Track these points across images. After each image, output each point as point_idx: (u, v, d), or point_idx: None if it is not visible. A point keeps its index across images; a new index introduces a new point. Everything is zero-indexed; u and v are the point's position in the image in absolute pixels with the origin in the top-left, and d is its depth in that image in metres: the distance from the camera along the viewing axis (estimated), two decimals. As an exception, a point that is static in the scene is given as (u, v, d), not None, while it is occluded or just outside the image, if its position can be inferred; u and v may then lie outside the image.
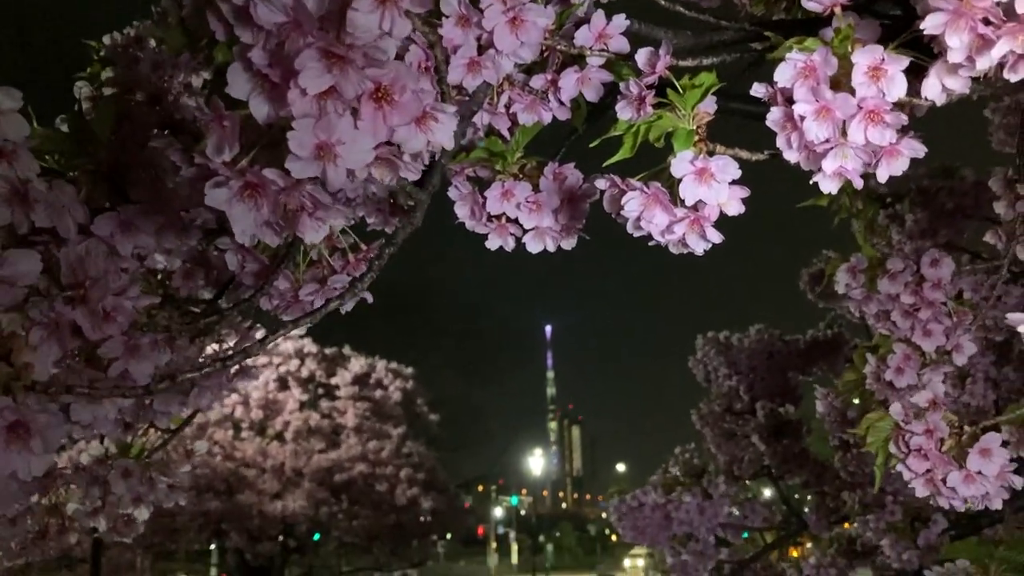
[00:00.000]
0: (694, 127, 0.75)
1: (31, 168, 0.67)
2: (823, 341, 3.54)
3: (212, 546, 15.53)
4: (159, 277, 0.97)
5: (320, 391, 14.40)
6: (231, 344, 1.14)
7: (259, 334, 1.16)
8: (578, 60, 0.85)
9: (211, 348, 1.13)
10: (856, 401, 1.55)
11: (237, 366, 1.16)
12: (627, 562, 39.51)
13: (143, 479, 1.11)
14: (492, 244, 0.94)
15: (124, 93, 0.94)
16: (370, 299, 0.96)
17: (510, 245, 0.94)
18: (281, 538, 13.19)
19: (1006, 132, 2.44)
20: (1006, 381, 2.33)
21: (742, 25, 0.93)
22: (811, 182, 0.72)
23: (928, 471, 1.10)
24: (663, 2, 0.89)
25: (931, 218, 2.31)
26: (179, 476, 1.16)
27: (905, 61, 0.66)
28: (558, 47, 0.83)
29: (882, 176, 0.70)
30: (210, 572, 19.49)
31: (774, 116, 0.70)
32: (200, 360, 1.11)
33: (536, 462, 39.65)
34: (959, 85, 0.69)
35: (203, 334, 0.99)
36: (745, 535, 3.82)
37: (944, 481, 1.07)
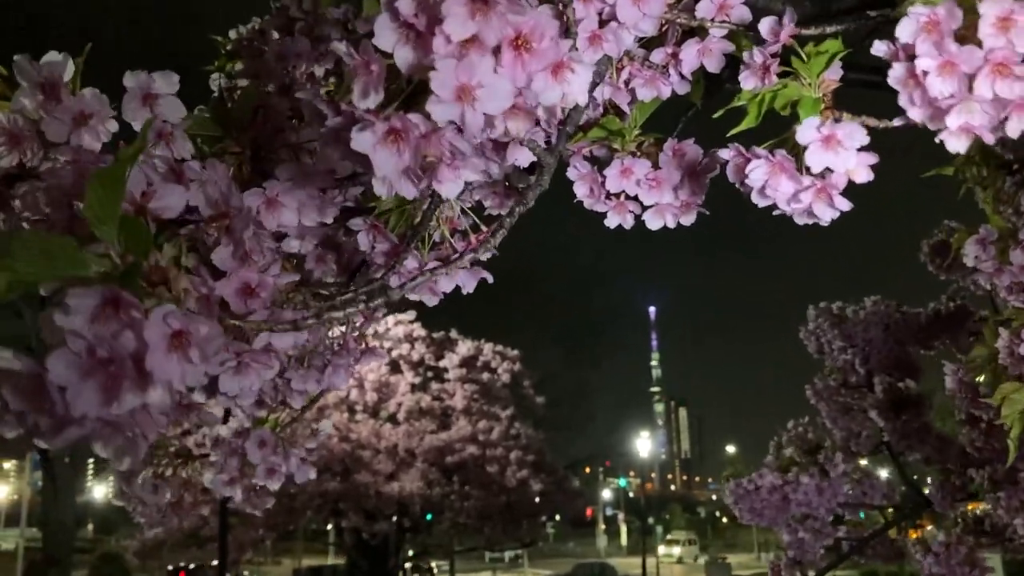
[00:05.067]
0: (820, 95, 0.74)
1: (186, 149, 0.72)
2: (945, 315, 3.39)
3: (329, 526, 16.05)
4: (294, 262, 1.02)
5: (430, 374, 14.69)
6: (358, 325, 1.19)
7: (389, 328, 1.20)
8: (698, 32, 0.85)
9: (338, 331, 1.18)
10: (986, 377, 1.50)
11: (364, 346, 1.21)
12: (662, 548, 35.86)
13: (277, 450, 1.17)
14: (611, 222, 0.95)
15: (257, 84, 1.00)
16: (491, 279, 0.98)
17: (629, 223, 0.94)
18: (396, 518, 13.53)
19: None
20: None
21: (863, -12, 0.91)
22: (936, 140, 0.70)
23: (1068, 444, 1.06)
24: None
25: (1063, 183, 2.20)
26: (307, 452, 1.22)
27: (1040, 11, 0.64)
28: (678, 20, 0.83)
29: (1012, 131, 0.67)
30: (328, 551, 20.15)
31: (896, 73, 0.68)
32: (329, 341, 1.17)
33: (643, 444, 39.33)
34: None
35: (337, 311, 1.03)
36: (862, 515, 3.72)
37: (1087, 453, 1.03)
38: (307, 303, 0.88)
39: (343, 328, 1.17)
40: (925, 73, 0.64)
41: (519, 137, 0.56)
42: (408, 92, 0.54)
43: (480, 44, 0.50)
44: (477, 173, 0.56)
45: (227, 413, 1.12)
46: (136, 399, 0.46)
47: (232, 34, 1.21)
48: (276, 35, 1.19)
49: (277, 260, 0.82)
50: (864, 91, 1.01)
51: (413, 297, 0.93)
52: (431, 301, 0.93)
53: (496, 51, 0.51)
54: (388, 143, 0.53)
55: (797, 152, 0.74)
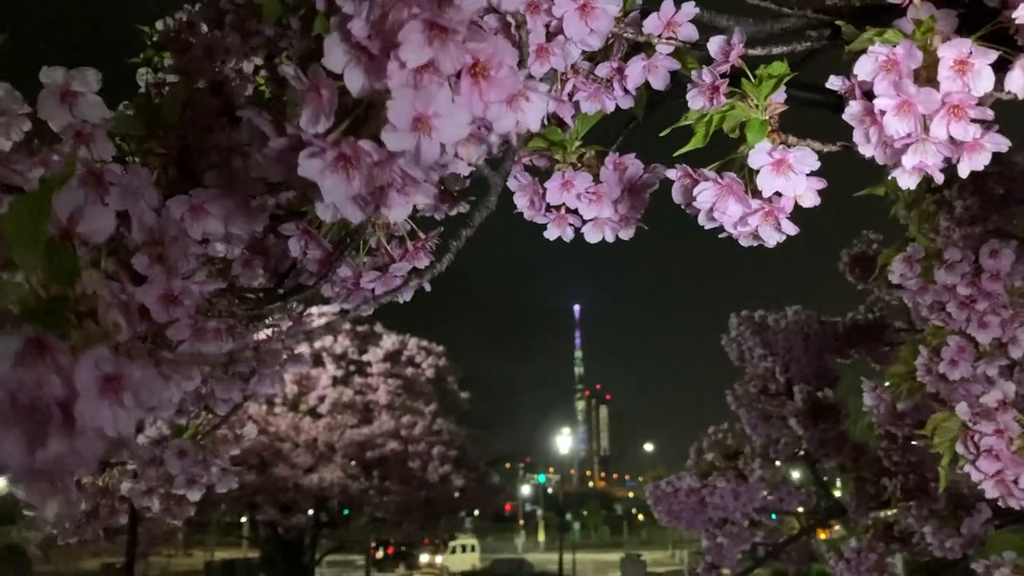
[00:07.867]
0: (767, 117, 0.74)
1: (107, 151, 0.67)
2: (863, 325, 3.48)
3: (244, 519, 15.75)
4: (219, 266, 0.97)
5: (352, 368, 14.51)
6: (285, 329, 1.15)
7: (314, 321, 1.16)
8: (644, 48, 0.83)
9: (264, 333, 1.14)
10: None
11: (288, 352, 1.17)
12: (424, 558, 25.87)
13: (197, 460, 1.12)
14: (551, 234, 0.93)
15: (186, 80, 0.95)
16: (428, 288, 0.95)
17: (569, 235, 0.93)
18: (312, 512, 13.34)
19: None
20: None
21: (804, 12, 0.92)
22: (889, 177, 0.71)
23: (999, 472, 1.08)
24: (729, -13, 0.87)
25: (981, 204, 2.27)
26: (227, 460, 1.18)
27: (993, 55, 0.64)
28: (624, 35, 0.82)
29: (963, 171, 0.69)
30: (242, 544, 19.78)
31: (852, 110, 0.68)
32: (255, 344, 1.12)
33: (563, 441, 39.50)
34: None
35: (263, 319, 0.99)
36: (773, 516, 3.80)
37: (1016, 482, 1.05)
38: (233, 310, 0.84)
39: (269, 332, 1.13)
40: (882, 112, 0.64)
41: (470, 162, 0.54)
42: (358, 112, 0.51)
43: (436, 71, 0.47)
44: (428, 197, 0.53)
45: (142, 420, 1.07)
46: (63, 446, 0.43)
47: (159, 25, 1.15)
48: (205, 28, 1.13)
49: (202, 266, 0.78)
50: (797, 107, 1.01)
51: (347, 307, 0.90)
52: (367, 311, 0.90)
53: (454, 77, 0.49)
54: (338, 170, 0.51)
55: (745, 174, 0.74)
